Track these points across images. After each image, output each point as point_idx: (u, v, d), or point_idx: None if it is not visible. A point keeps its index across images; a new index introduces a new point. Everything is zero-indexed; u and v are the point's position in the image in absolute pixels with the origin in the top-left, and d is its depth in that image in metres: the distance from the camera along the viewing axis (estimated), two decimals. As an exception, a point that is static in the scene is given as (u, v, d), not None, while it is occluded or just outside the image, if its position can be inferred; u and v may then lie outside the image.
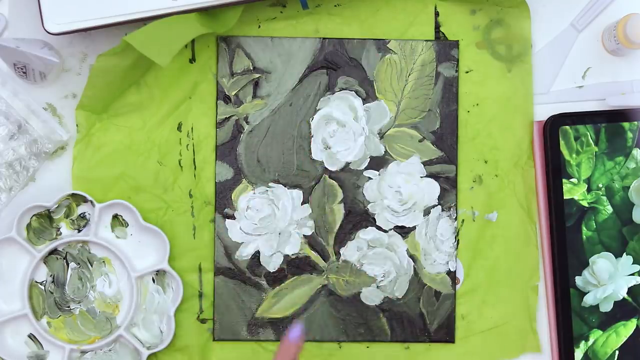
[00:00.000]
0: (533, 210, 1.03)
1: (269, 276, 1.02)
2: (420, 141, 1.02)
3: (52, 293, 1.01)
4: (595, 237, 1.02)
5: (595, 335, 1.02)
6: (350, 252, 1.02)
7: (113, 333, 1.00)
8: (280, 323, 1.02)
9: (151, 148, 1.02)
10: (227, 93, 1.02)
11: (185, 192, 1.02)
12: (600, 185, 1.02)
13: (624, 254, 1.02)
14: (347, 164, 1.02)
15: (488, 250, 1.03)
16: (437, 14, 1.03)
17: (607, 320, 1.02)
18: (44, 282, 1.01)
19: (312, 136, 1.02)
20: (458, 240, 1.03)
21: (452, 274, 1.02)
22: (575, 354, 1.02)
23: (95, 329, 1.01)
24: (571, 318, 1.01)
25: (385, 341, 1.02)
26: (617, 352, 1.02)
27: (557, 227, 1.01)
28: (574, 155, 1.02)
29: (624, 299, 1.02)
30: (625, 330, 1.02)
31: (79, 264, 1.01)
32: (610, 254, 1.02)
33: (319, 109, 1.02)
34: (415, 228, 1.02)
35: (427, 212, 1.02)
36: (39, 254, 0.99)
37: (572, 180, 1.02)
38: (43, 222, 1.01)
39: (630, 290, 1.02)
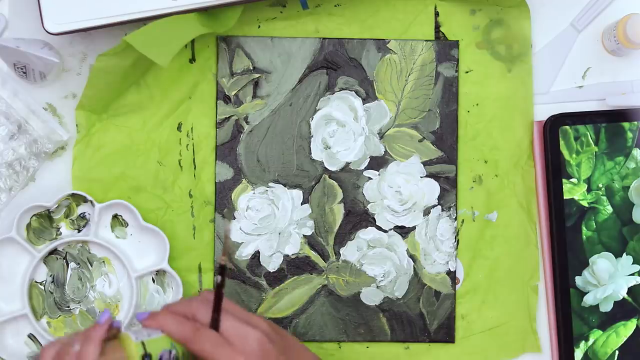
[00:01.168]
0: (533, 210, 1.03)
1: (269, 276, 1.02)
2: (420, 141, 1.02)
3: (52, 293, 1.01)
4: (595, 237, 1.02)
5: (595, 335, 1.02)
6: (350, 252, 1.02)
7: (113, 333, 1.00)
8: (280, 323, 1.02)
9: (151, 148, 1.02)
10: (227, 93, 1.02)
11: (185, 192, 1.02)
12: (600, 185, 1.02)
13: (624, 254, 1.02)
14: (347, 164, 1.02)
15: (488, 250, 1.03)
16: (437, 14, 1.03)
17: (607, 320, 1.02)
18: (44, 282, 1.01)
19: (312, 136, 1.02)
20: (458, 240, 1.03)
21: (452, 274, 1.02)
22: (575, 354, 1.02)
23: (95, 329, 1.01)
24: (571, 318, 1.01)
25: (385, 341, 1.02)
26: (617, 352, 1.02)
27: (557, 227, 1.01)
28: (574, 155, 1.02)
29: (624, 299, 1.02)
30: (625, 330, 1.02)
31: (78, 264, 1.01)
32: (610, 254, 1.02)
33: (319, 109, 1.02)
34: (415, 228, 1.02)
35: (427, 212, 1.02)
36: (39, 254, 0.99)
37: (572, 180, 1.02)
38: (43, 222, 1.01)
39: (630, 290, 1.02)
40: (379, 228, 1.02)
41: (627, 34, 0.99)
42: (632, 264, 1.02)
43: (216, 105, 1.02)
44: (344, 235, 1.02)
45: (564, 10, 1.04)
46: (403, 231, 1.02)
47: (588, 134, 1.02)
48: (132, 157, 1.01)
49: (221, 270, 0.84)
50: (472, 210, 1.03)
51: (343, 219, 1.02)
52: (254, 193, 1.02)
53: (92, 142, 1.01)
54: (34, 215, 1.00)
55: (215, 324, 0.85)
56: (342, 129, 1.02)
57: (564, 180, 1.02)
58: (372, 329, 1.02)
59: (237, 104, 1.02)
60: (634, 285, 1.02)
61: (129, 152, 1.01)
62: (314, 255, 1.02)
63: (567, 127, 1.01)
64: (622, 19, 1.00)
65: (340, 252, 1.02)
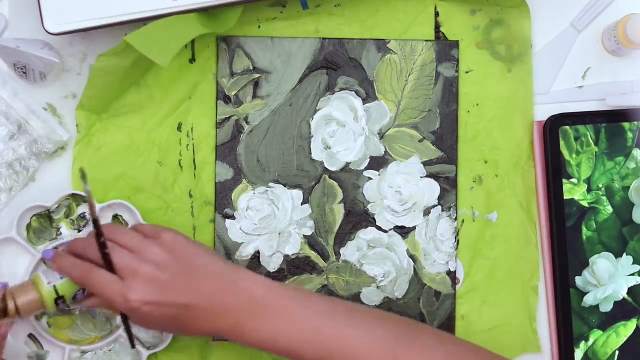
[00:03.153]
0: (533, 210, 1.03)
1: (269, 276, 1.01)
2: (420, 141, 1.02)
3: (52, 293, 1.01)
4: (595, 237, 1.02)
5: (595, 335, 1.02)
6: (350, 252, 1.02)
7: (113, 333, 1.00)
8: (280, 323, 1.01)
9: (151, 148, 1.02)
10: (227, 93, 1.02)
11: (185, 192, 1.02)
12: (600, 185, 1.02)
13: (624, 254, 1.02)
14: (347, 164, 1.02)
15: (488, 250, 1.03)
16: (437, 14, 1.03)
17: (607, 320, 1.02)
18: (44, 282, 1.01)
19: (312, 136, 1.02)
20: (458, 240, 1.03)
21: (452, 274, 1.02)
22: (575, 354, 1.02)
23: (95, 329, 1.01)
24: (571, 318, 1.01)
25: (385, 341, 1.02)
26: (617, 352, 1.02)
27: (557, 227, 1.01)
28: (574, 155, 1.02)
29: (624, 299, 1.02)
30: (625, 330, 1.02)
31: (79, 264, 1.01)
32: (610, 254, 1.02)
33: (319, 109, 1.02)
34: (415, 228, 1.02)
35: (427, 212, 1.02)
36: (39, 254, 0.99)
37: (572, 180, 1.02)
38: (43, 222, 1.00)
39: (630, 290, 1.02)
40: (379, 228, 1.02)
41: (627, 34, 0.99)
42: (632, 264, 1.02)
43: (216, 105, 1.02)
44: (344, 235, 1.02)
45: (564, 10, 1.04)
46: (403, 231, 1.02)
47: (588, 134, 1.02)
48: (132, 157, 1.01)
49: (95, 223, 0.89)
50: (472, 210, 1.03)
51: (343, 219, 1.02)
52: (254, 193, 1.02)
53: (92, 142, 1.01)
54: (34, 215, 1.00)
55: (108, 266, 0.89)
56: (342, 129, 1.02)
57: (564, 180, 1.02)
58: (372, 329, 1.02)
59: (237, 104, 1.02)
60: (634, 285, 1.02)
61: (129, 152, 1.01)
62: (314, 255, 1.02)
63: (567, 127, 1.01)
64: (622, 19, 1.00)
65: (340, 252, 1.02)
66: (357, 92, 1.02)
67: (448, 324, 1.02)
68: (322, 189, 1.02)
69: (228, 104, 1.02)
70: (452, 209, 1.02)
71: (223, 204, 1.02)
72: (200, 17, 0.97)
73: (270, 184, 1.02)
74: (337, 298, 0.93)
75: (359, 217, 1.02)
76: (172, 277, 0.88)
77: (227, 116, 1.02)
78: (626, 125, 1.02)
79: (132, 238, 0.90)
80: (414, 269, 1.02)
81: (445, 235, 1.02)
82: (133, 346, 0.94)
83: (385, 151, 1.02)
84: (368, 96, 1.02)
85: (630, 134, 1.02)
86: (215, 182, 1.02)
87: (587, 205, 1.02)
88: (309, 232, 1.02)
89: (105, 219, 1.01)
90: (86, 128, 1.01)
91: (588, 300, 1.02)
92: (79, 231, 1.01)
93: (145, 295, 0.87)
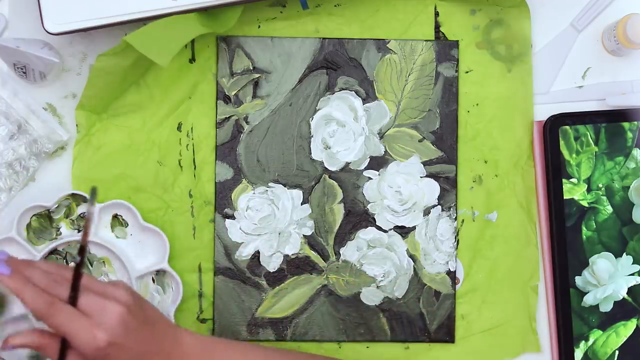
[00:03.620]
0: (533, 210, 1.03)
1: (269, 276, 1.02)
2: (420, 141, 1.02)
3: (52, 293, 1.01)
4: (595, 237, 1.02)
5: (595, 335, 1.02)
6: (350, 252, 1.02)
7: (113, 333, 1.00)
8: (280, 323, 1.02)
9: (151, 148, 1.02)
10: (227, 93, 1.02)
11: (185, 192, 1.02)
12: (600, 185, 1.02)
13: (624, 254, 1.02)
14: (347, 164, 1.02)
15: (488, 250, 1.03)
16: (437, 14, 1.03)
17: (607, 320, 1.02)
18: (44, 282, 1.01)
19: (312, 136, 1.02)
20: (458, 240, 1.03)
21: (452, 274, 1.02)
22: (575, 354, 1.02)
23: (95, 329, 1.01)
24: (571, 318, 1.01)
25: (385, 341, 1.02)
26: (617, 352, 1.02)
27: (557, 227, 1.01)
28: (574, 155, 1.02)
29: (624, 299, 1.02)
30: (625, 330, 1.02)
31: (79, 264, 1.01)
32: (610, 254, 1.02)
33: (318, 109, 1.02)
34: (415, 228, 1.02)
35: (427, 212, 1.02)
36: (39, 254, 0.99)
37: (572, 180, 1.02)
38: (43, 222, 1.00)
39: (630, 290, 1.02)
40: (379, 228, 1.02)
41: (627, 34, 0.99)
42: (632, 264, 1.02)
43: (216, 105, 1.02)
44: (344, 235, 1.02)
45: (564, 10, 1.04)
46: (403, 231, 1.02)
47: (588, 134, 1.02)
48: (132, 157, 1.01)
49: (81, 251, 0.83)
50: (472, 210, 1.03)
51: (343, 219, 1.02)
52: (254, 193, 1.02)
53: (92, 142, 1.01)
54: (34, 215, 1.00)
55: (72, 301, 0.83)
56: (342, 129, 1.02)
57: (564, 180, 1.02)
58: (372, 329, 1.02)
59: (237, 104, 1.02)
60: (634, 285, 1.02)
61: (129, 152, 1.01)
62: (314, 255, 1.02)
63: (567, 127, 1.02)
64: (622, 19, 1.00)
65: (340, 252, 1.02)
66: (357, 92, 1.02)
67: (448, 324, 1.02)
68: (322, 189, 1.02)
69: (228, 104, 1.02)
70: (452, 209, 1.02)
71: (223, 204, 1.02)
72: (200, 17, 0.97)
73: (270, 184, 1.02)
74: (275, 347, 0.96)
75: (359, 217, 1.02)
76: (138, 322, 0.85)
77: (227, 116, 1.02)
78: (626, 125, 1.02)
79: (95, 280, 0.86)
80: (414, 269, 1.02)
81: (445, 235, 1.02)
82: None
83: (385, 151, 1.02)
84: (368, 96, 1.02)
85: (630, 134, 1.02)
86: (215, 182, 1.02)
87: (587, 205, 1.02)
88: (309, 232, 1.02)
89: (105, 219, 1.01)
90: (86, 128, 1.01)
91: (588, 300, 1.02)
92: (79, 231, 1.01)
93: (114, 335, 0.83)
